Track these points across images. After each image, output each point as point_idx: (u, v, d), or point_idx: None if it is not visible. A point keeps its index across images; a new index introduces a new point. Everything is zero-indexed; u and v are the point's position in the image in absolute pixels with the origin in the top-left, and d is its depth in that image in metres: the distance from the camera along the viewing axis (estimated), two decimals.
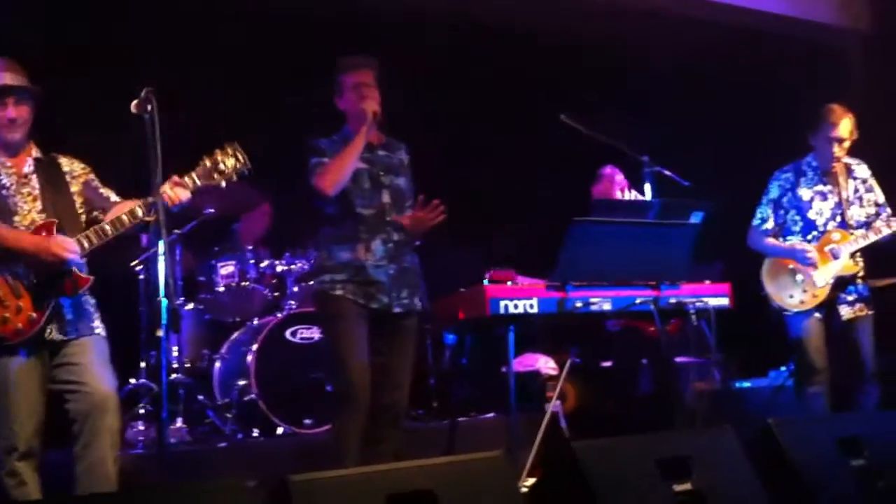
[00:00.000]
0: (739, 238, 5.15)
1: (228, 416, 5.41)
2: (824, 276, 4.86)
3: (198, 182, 3.72)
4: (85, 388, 3.57)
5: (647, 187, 5.42)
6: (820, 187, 4.99)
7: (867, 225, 4.93)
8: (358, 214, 4.09)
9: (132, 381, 5.34)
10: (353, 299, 4.03)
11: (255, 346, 5.37)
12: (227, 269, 5.85)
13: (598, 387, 5.80)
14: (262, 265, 5.89)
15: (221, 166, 3.74)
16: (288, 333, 5.48)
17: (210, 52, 6.05)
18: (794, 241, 4.97)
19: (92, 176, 3.89)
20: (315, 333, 5.44)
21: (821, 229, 4.95)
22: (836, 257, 4.87)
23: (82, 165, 3.89)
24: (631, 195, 5.66)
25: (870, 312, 4.94)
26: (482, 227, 6.67)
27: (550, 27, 6.71)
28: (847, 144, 4.91)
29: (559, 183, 6.57)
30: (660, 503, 3.18)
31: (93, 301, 3.76)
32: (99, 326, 3.74)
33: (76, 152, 3.93)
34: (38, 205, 3.68)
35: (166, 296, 3.64)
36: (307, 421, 5.30)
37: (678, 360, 5.57)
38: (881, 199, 5.03)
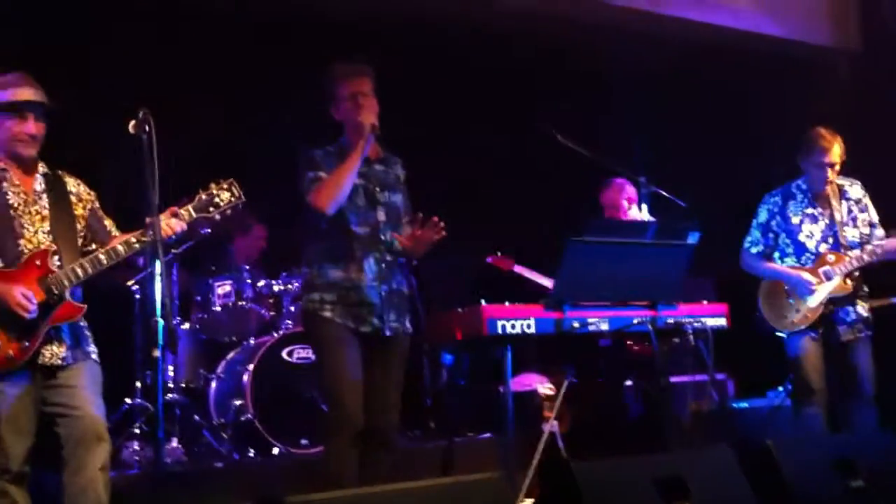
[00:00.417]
0: (732, 255, 5.17)
1: (224, 436, 5.39)
2: (817, 298, 4.88)
3: (194, 215, 3.74)
4: (77, 412, 3.54)
5: (644, 207, 5.43)
6: (810, 210, 5.01)
7: (862, 245, 4.94)
8: (352, 232, 3.99)
9: (128, 400, 5.32)
10: (343, 323, 3.94)
11: (251, 366, 5.36)
12: (223, 288, 5.85)
13: (592, 406, 5.79)
14: (259, 285, 5.88)
15: (216, 199, 3.76)
16: (284, 353, 5.48)
17: (197, 68, 6.04)
18: (797, 268, 4.97)
19: (97, 204, 3.85)
20: (311, 353, 5.42)
21: (813, 251, 4.97)
22: (828, 279, 4.88)
23: (88, 190, 3.85)
24: (639, 212, 5.65)
25: (868, 334, 4.95)
26: (480, 230, 6.67)
27: (532, 34, 6.74)
28: (838, 168, 4.95)
29: (558, 183, 6.57)
30: None
31: (85, 325, 3.73)
32: (94, 351, 3.72)
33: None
34: (46, 225, 3.64)
35: (163, 316, 3.64)
36: (303, 441, 5.30)
37: (675, 379, 5.57)
38: (875, 218, 5.05)
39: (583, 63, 6.90)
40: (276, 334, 5.59)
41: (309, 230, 4.06)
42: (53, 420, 3.57)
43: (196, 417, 5.49)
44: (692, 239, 4.43)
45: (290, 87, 5.97)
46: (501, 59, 6.72)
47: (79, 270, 3.58)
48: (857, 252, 4.91)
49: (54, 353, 3.57)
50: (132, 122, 3.54)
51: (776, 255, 5.08)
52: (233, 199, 3.79)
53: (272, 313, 5.90)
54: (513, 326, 4.19)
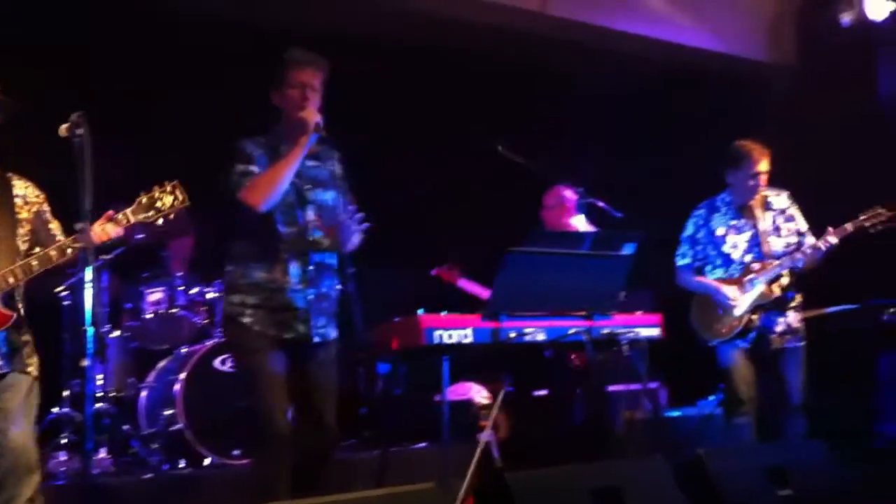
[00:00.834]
0: (668, 267, 5.24)
1: (154, 446, 5.29)
2: (741, 307, 4.96)
3: (132, 220, 3.63)
4: (9, 443, 3.41)
5: (582, 218, 5.47)
6: (734, 221, 5.10)
7: (788, 255, 5.03)
8: (277, 231, 3.80)
9: (54, 410, 5.18)
10: (263, 331, 3.76)
11: (182, 375, 5.27)
12: (155, 295, 5.74)
13: (531, 415, 5.81)
14: (192, 292, 5.78)
15: (159, 203, 3.65)
16: (217, 362, 5.39)
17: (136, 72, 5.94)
18: (723, 280, 5.05)
19: (46, 207, 3.72)
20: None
21: (738, 262, 5.05)
22: (752, 287, 4.97)
23: (37, 192, 3.72)
24: (578, 220, 5.69)
25: (799, 344, 5.04)
26: (425, 242, 6.65)
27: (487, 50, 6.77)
28: (765, 178, 5.03)
29: (502, 196, 6.60)
30: None
31: (28, 336, 3.60)
32: (31, 364, 3.59)
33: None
34: None
35: (93, 324, 3.55)
36: (235, 452, 5.20)
37: (610, 388, 5.62)
38: (803, 227, 5.12)
39: (526, 77, 6.95)
40: (208, 343, 5.50)
41: (236, 227, 3.89)
42: None
43: (125, 427, 5.37)
44: (628, 250, 4.46)
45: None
46: (452, 72, 6.73)
47: (9, 277, 3.47)
48: (780, 260, 4.99)
49: None
50: (63, 126, 3.46)
51: (708, 267, 5.16)
52: (176, 202, 3.66)
53: (205, 321, 5.80)
54: (450, 336, 4.17)
